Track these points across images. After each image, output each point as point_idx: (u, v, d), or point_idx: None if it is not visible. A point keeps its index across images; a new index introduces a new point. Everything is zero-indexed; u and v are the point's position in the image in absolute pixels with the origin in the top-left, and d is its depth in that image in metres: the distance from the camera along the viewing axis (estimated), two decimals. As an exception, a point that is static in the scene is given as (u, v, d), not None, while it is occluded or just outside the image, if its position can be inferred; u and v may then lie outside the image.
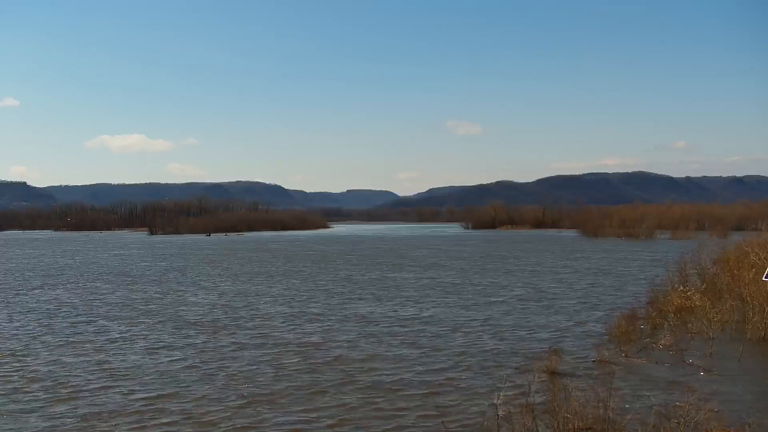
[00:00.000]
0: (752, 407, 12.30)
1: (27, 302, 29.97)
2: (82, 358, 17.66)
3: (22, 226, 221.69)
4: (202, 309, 26.96)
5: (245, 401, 13.42)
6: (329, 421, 12.22)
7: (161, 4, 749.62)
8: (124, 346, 19.27)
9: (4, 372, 16.24)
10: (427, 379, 15.23)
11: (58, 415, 12.63)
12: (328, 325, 22.78)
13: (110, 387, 14.65)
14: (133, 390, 14.34)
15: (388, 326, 22.42)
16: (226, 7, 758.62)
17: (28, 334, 21.62)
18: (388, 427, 11.96)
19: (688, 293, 23.97)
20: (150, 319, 24.54)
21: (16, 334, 21.47)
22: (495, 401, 11.38)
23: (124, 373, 15.98)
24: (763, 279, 17.51)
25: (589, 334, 20.60)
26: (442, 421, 11.83)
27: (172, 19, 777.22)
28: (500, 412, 11.18)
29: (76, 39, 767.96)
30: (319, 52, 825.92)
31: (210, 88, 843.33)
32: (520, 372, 15.47)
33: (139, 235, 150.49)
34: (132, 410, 12.85)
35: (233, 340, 20.00)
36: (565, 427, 10.58)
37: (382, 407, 13.06)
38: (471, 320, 23.58)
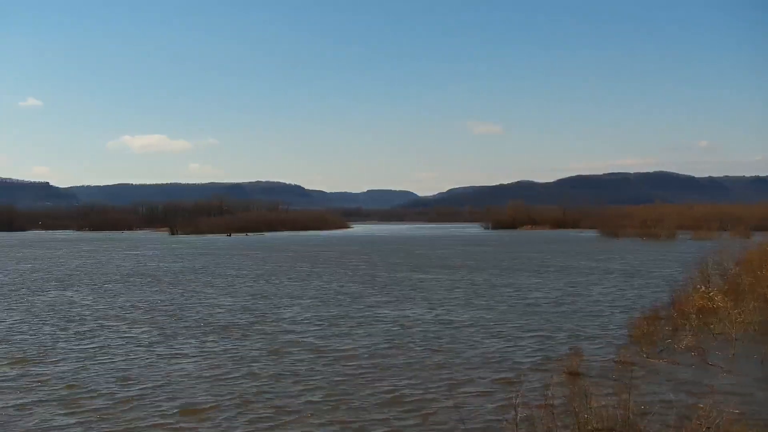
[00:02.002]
0: (775, 409, 12.17)
1: (51, 304, 30.26)
2: (102, 366, 17.53)
3: (45, 226, 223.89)
4: (223, 312, 27.07)
5: (269, 413, 13.34)
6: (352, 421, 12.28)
7: (182, 4, 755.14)
8: (147, 352, 19.27)
9: (22, 381, 15.98)
10: (447, 378, 15.26)
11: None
12: (349, 327, 22.84)
13: (131, 397, 14.26)
14: (157, 400, 14.08)
15: (410, 327, 22.47)
16: (246, 5, 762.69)
17: (50, 338, 21.51)
18: (408, 425, 11.97)
19: (710, 294, 23.73)
20: (174, 323, 24.55)
21: (38, 339, 21.29)
22: (515, 401, 11.34)
23: (147, 382, 15.82)
24: (787, 280, 17.26)
25: (610, 335, 20.49)
26: (462, 420, 11.84)
27: (193, 20, 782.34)
28: (520, 413, 11.14)
29: (98, 39, 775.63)
30: (338, 53, 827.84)
31: (229, 88, 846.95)
32: (540, 372, 15.44)
33: (160, 235, 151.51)
34: (157, 423, 12.62)
35: (257, 346, 19.73)
36: (585, 427, 10.54)
37: (403, 406, 13.10)
38: (492, 321, 23.56)
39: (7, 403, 13.62)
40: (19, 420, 12.68)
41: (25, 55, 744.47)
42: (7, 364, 17.34)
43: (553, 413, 11.07)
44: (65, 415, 12.99)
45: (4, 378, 15.89)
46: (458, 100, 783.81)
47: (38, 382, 15.53)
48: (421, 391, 14.25)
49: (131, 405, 13.56)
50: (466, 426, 11.61)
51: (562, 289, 33.50)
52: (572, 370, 15.17)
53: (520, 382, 14.28)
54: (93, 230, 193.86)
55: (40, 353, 18.69)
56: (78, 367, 16.97)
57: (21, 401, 13.86)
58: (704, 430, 10.00)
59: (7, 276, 44.54)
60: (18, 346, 19.76)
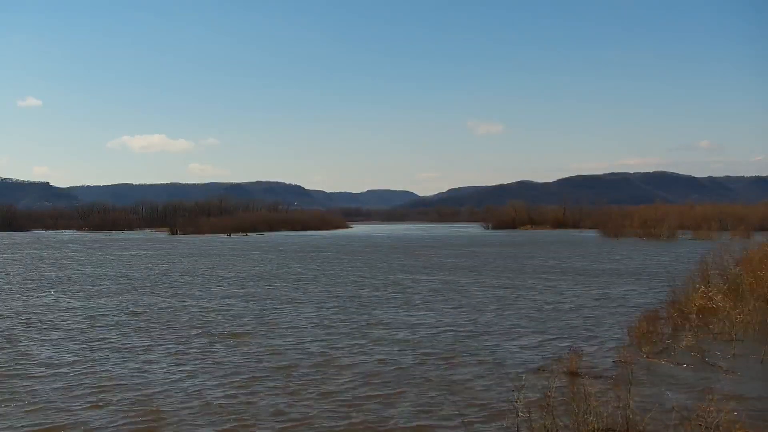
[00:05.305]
0: (774, 409, 12.23)
1: (38, 310, 30.20)
2: (93, 378, 17.41)
3: (45, 226, 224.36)
4: (224, 320, 26.98)
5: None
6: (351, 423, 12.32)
7: (182, 3, 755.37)
8: (144, 365, 19.23)
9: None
10: (447, 380, 15.30)
11: None
12: (345, 331, 22.91)
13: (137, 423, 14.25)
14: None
15: (410, 330, 22.53)
16: (246, 5, 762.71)
17: (38, 349, 21.22)
18: (409, 426, 12.02)
19: (710, 294, 23.79)
20: (167, 330, 24.26)
21: (23, 351, 20.98)
22: (515, 402, 11.41)
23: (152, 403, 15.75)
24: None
25: (611, 335, 20.54)
26: (463, 421, 11.90)
27: (192, 19, 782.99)
28: (520, 413, 11.21)
29: (97, 39, 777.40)
30: (339, 53, 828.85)
31: (230, 88, 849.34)
32: (540, 373, 15.48)
33: (160, 235, 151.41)
34: None
35: (266, 359, 19.35)
36: (585, 427, 10.60)
37: (403, 407, 13.15)
38: (493, 323, 23.62)
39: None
40: None
41: (24, 54, 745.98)
42: None
43: (553, 413, 11.13)
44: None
45: None
46: (459, 100, 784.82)
47: (27, 405, 14.10)
48: (419, 390, 14.30)
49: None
50: (466, 426, 11.66)
51: (563, 289, 33.55)
52: (572, 370, 15.22)
53: (521, 383, 14.32)
54: (93, 230, 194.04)
55: (26, 369, 17.27)
56: (73, 379, 16.35)
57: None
58: (704, 430, 10.06)
59: None
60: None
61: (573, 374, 14.98)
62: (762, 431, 10.11)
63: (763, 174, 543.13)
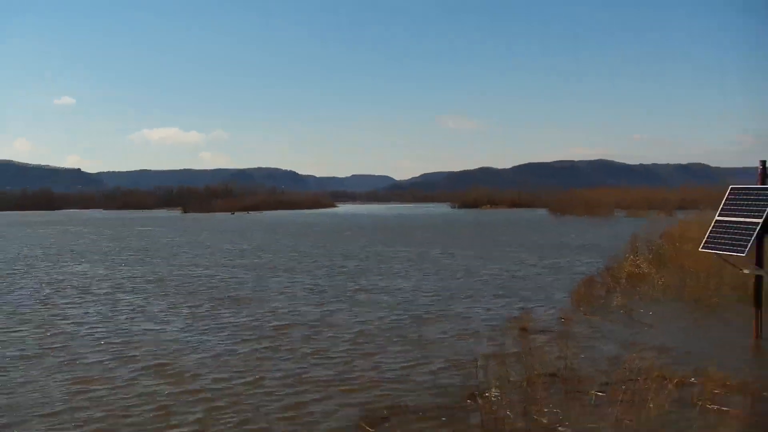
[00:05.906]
0: (686, 356, 12.60)
1: (73, 277, 30.07)
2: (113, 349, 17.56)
3: (77, 207, 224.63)
4: (226, 284, 27.00)
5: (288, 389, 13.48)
6: (323, 373, 12.50)
7: (188, 9, 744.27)
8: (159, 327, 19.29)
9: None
10: (421, 337, 15.49)
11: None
12: (334, 295, 23.01)
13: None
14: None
15: (390, 295, 22.73)
16: (246, 4, 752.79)
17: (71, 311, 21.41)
18: (378, 379, 12.17)
19: (638, 262, 24.26)
20: (185, 294, 24.49)
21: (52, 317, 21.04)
22: (474, 354, 11.68)
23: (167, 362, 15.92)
24: (700, 250, 17.62)
25: (556, 297, 20.85)
26: (433, 371, 12.11)
27: (203, 28, 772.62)
28: (479, 362, 11.47)
29: (123, 45, 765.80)
30: (329, 53, 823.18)
31: (234, 86, 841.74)
32: (498, 330, 15.74)
33: (174, 214, 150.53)
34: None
35: (269, 318, 19.74)
36: (532, 373, 10.88)
37: (386, 361, 13.31)
38: (459, 288, 23.86)
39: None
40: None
41: (60, 59, 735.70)
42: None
43: (505, 362, 11.41)
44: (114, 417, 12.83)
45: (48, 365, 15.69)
46: (429, 96, 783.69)
47: (61, 358, 15.10)
48: (393, 348, 14.47)
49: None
50: (436, 374, 11.88)
51: (519, 260, 33.87)
52: (524, 327, 15.50)
53: (480, 338, 14.63)
54: (117, 209, 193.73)
55: (60, 327, 17.92)
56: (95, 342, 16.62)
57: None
58: (628, 374, 10.37)
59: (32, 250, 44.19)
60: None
61: (524, 330, 15.25)
62: (674, 374, 10.45)
63: (684, 162, 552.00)
